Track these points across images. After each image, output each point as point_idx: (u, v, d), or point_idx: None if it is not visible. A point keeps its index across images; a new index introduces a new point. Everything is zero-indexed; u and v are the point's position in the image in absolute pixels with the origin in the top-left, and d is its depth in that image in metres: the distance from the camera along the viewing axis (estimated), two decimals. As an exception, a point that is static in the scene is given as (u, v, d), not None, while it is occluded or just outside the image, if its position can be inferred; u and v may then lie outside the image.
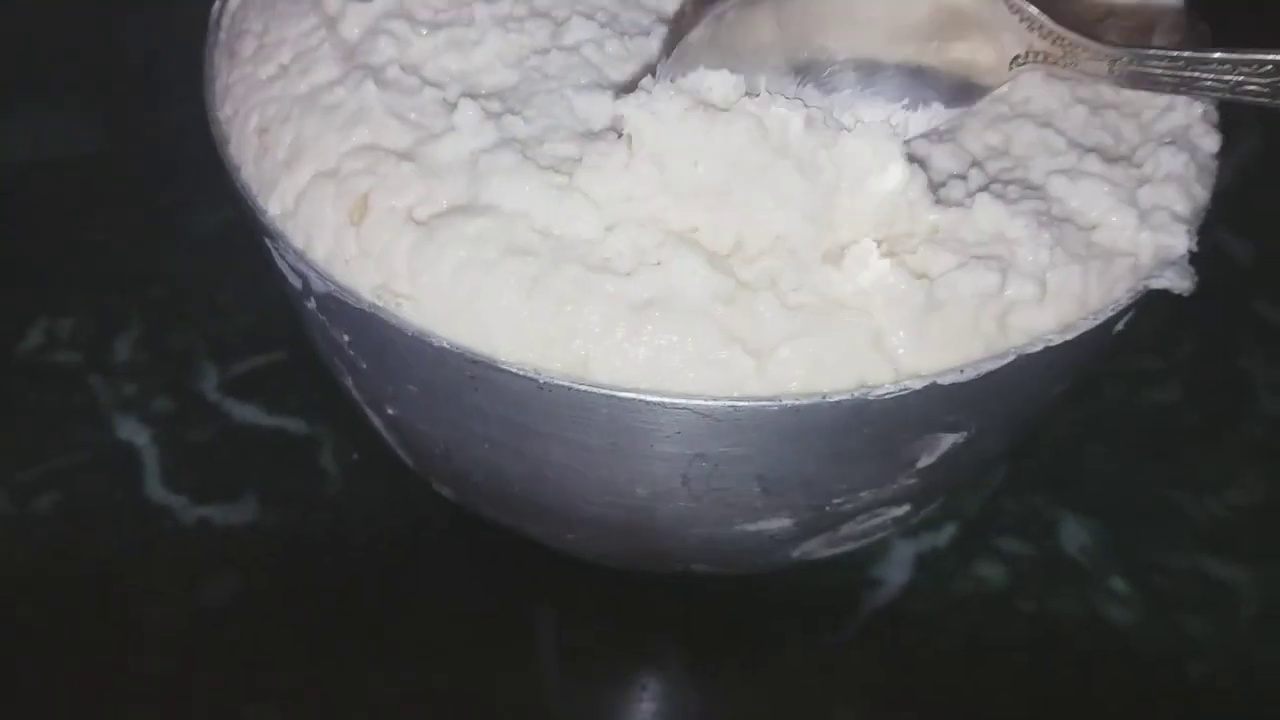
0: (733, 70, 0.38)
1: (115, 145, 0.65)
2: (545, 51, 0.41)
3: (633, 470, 0.40)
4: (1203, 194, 0.41)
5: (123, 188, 0.63)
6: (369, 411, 0.47)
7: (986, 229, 0.38)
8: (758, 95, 0.38)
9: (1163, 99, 0.43)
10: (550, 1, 0.43)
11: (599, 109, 0.39)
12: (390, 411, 0.45)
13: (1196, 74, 0.37)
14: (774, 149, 0.38)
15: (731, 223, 0.37)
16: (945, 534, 0.53)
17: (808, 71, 0.42)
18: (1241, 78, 0.36)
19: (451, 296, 0.36)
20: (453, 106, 0.39)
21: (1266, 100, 0.35)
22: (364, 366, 0.42)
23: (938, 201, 0.38)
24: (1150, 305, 0.39)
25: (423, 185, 0.38)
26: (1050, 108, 0.42)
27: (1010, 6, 0.39)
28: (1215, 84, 0.37)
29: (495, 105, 0.39)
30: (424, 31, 0.41)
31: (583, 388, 0.35)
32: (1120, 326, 0.40)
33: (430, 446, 0.46)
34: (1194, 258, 0.39)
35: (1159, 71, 0.38)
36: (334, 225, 0.38)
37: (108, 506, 0.52)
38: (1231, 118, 0.43)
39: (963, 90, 0.41)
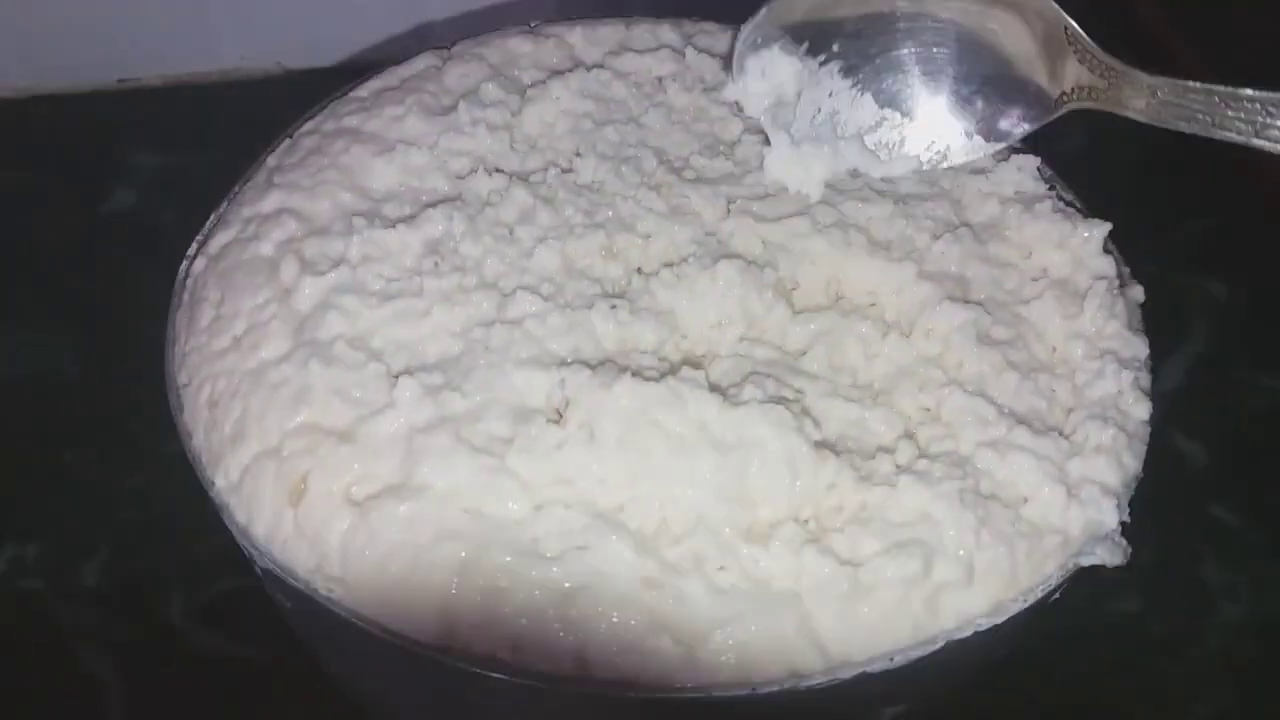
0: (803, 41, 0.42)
1: (86, 368, 0.65)
2: (489, 324, 0.42)
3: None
4: (1134, 463, 0.41)
5: (95, 410, 0.63)
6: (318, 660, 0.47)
7: (912, 509, 0.38)
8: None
9: (1094, 363, 0.44)
10: (499, 272, 0.44)
11: (536, 385, 0.40)
12: (333, 669, 0.45)
13: (1229, 112, 0.38)
14: (692, 424, 0.39)
15: (656, 501, 0.38)
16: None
17: (871, 74, 0.46)
18: (1268, 119, 0.37)
19: (381, 581, 0.37)
20: (394, 382, 0.40)
21: None
22: (303, 637, 0.42)
23: (864, 478, 0.39)
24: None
25: (359, 465, 0.38)
26: (983, 373, 0.43)
27: (1068, 36, 0.39)
28: (1243, 124, 0.37)
29: (436, 379, 0.41)
30: (374, 303, 0.43)
31: (509, 677, 0.35)
32: (1055, 597, 0.40)
33: (369, 703, 0.46)
34: (1145, 474, 0.40)
35: (1195, 106, 0.39)
36: (273, 505, 0.39)
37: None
38: (1183, 314, 0.44)
39: (1004, 126, 0.42)
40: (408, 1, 0.78)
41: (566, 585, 0.36)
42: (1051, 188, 0.50)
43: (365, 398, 0.40)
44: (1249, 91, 0.38)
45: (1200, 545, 0.60)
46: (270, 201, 0.47)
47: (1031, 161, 0.50)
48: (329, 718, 0.52)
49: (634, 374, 0.40)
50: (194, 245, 0.49)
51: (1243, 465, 0.64)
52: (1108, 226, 0.48)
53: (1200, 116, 0.39)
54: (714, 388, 0.41)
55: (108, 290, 0.68)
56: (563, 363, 0.41)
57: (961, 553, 0.37)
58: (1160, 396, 0.44)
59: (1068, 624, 0.38)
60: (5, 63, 0.77)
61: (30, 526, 0.59)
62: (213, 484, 0.41)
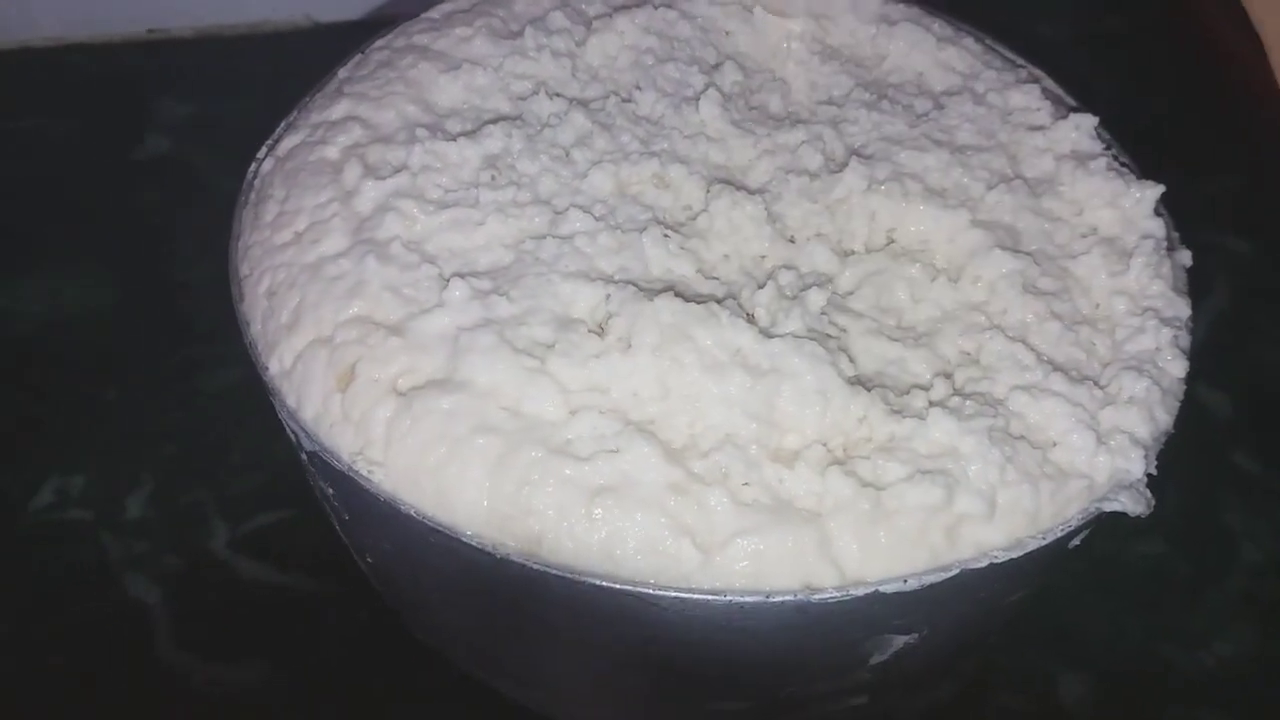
0: None
1: (128, 306, 0.65)
2: (541, 237, 0.43)
3: (590, 647, 0.40)
4: (1165, 418, 0.41)
5: (135, 347, 0.63)
6: (355, 556, 0.48)
7: (940, 442, 0.39)
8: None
9: (1135, 319, 0.44)
10: (553, 190, 0.45)
11: (581, 297, 0.41)
12: (369, 560, 0.46)
13: None
14: (728, 347, 0.39)
15: (686, 415, 0.38)
16: (945, 693, 0.53)
17: None
18: None
19: (420, 467, 0.38)
20: (445, 283, 0.41)
21: None
22: (346, 518, 0.44)
23: (895, 412, 0.39)
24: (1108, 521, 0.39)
25: (406, 358, 0.40)
26: (1025, 321, 0.43)
27: None
28: None
29: (486, 284, 0.42)
30: (431, 209, 0.44)
31: (535, 565, 0.36)
32: (1076, 542, 0.40)
33: (404, 598, 0.47)
34: (1153, 480, 0.40)
35: None
36: (323, 390, 0.40)
37: (118, 665, 0.51)
38: (1206, 270, 0.44)
39: None
40: None
41: (596, 483, 0.37)
42: (1108, 148, 0.49)
43: (417, 296, 0.41)
44: None
45: (1224, 491, 0.61)
46: (339, 109, 0.49)
47: (1089, 121, 0.50)
48: (370, 641, 0.53)
49: (676, 294, 0.41)
50: (264, 149, 0.50)
51: (1264, 416, 0.65)
52: (1160, 189, 0.47)
53: None
54: (753, 318, 0.41)
55: (142, 233, 0.69)
56: (609, 279, 0.42)
57: (984, 487, 0.38)
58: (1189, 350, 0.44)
59: (1095, 564, 0.38)
60: (38, 13, 0.76)
61: (75, 459, 0.59)
62: (266, 369, 0.42)
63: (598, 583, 0.36)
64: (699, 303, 0.41)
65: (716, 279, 0.44)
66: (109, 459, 0.59)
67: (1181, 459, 0.40)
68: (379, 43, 0.53)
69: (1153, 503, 0.39)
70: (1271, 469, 0.62)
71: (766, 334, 0.41)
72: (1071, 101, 0.53)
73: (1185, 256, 0.47)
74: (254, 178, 0.49)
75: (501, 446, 0.38)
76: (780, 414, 0.39)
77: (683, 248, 0.44)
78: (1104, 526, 0.40)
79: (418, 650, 0.51)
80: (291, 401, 0.41)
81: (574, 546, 0.36)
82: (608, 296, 0.41)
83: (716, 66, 0.52)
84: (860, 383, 0.40)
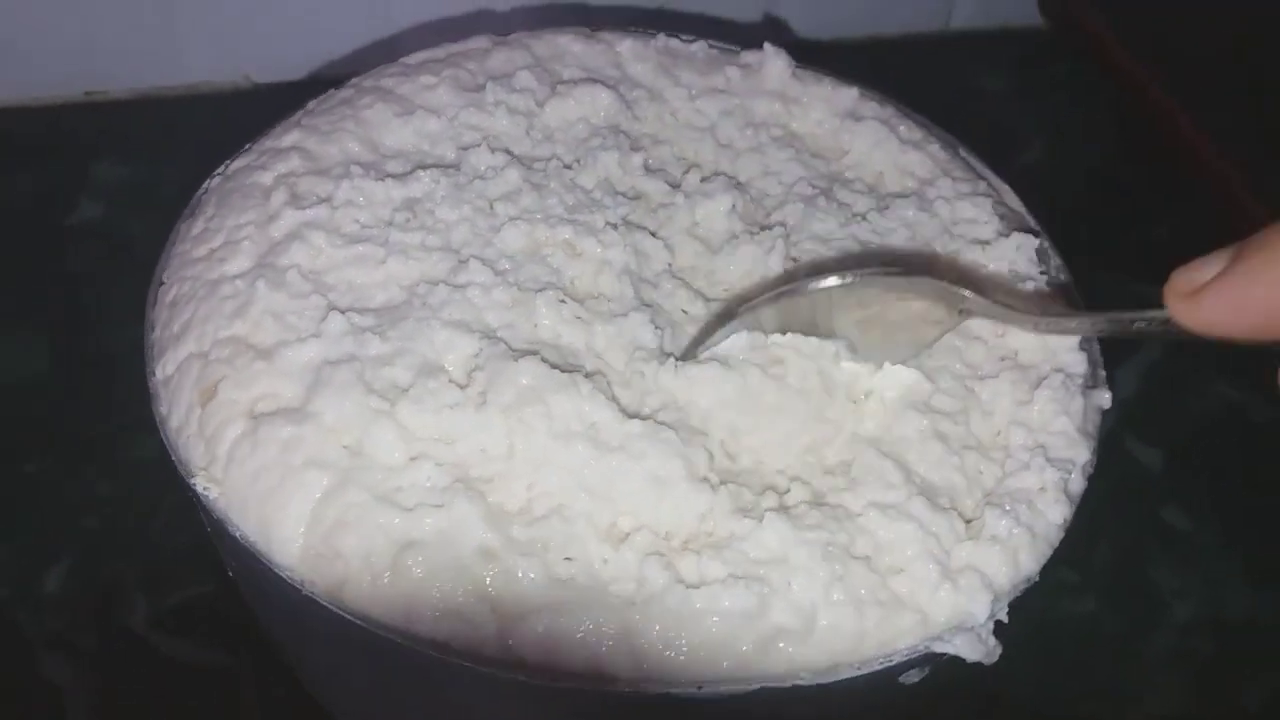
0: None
1: (57, 374, 0.62)
2: (436, 283, 0.43)
3: (393, 698, 0.39)
4: (1030, 565, 0.39)
5: (61, 417, 0.61)
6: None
7: (771, 548, 0.37)
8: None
9: (1025, 454, 0.42)
10: (465, 240, 0.46)
11: (454, 346, 0.41)
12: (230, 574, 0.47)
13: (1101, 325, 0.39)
14: (582, 419, 0.39)
15: (525, 480, 0.38)
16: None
17: None
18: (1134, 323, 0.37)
19: (250, 492, 0.38)
20: (326, 315, 0.42)
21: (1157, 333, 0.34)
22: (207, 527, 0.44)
23: (740, 510, 0.38)
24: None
25: (267, 383, 0.40)
26: (906, 436, 0.42)
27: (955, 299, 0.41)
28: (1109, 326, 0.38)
29: (368, 320, 0.42)
30: (339, 243, 0.45)
31: (333, 609, 0.36)
32: (913, 678, 0.38)
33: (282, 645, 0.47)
34: (1097, 479, 0.40)
35: (1071, 326, 0.42)
36: (188, 402, 0.41)
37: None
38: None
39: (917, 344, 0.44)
40: (375, 14, 0.76)
41: (409, 536, 0.37)
42: (1044, 271, 0.48)
43: (297, 324, 0.42)
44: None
45: (1153, 548, 0.60)
46: (288, 138, 0.50)
47: (1031, 242, 0.48)
48: (285, 710, 0.51)
49: (544, 359, 0.41)
50: (223, 165, 0.51)
51: (1194, 471, 0.64)
52: (1091, 321, 0.45)
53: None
54: (617, 401, 0.41)
55: (75, 300, 0.65)
56: (490, 334, 0.42)
57: (805, 603, 0.36)
58: (1118, 402, 0.44)
59: (1022, 624, 0.37)
60: (-28, 76, 0.70)
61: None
62: (153, 374, 0.43)
63: (389, 637, 0.35)
64: (566, 371, 0.40)
65: (602, 358, 0.43)
66: (27, 533, 0.56)
67: (1112, 514, 0.39)
68: (353, 80, 0.55)
69: (996, 652, 0.37)
70: (1201, 525, 0.61)
71: (627, 414, 0.40)
72: (1031, 222, 0.51)
73: (1104, 398, 0.44)
74: (204, 192, 0.50)
75: (329, 483, 0.38)
76: (618, 494, 0.38)
77: (578, 317, 0.43)
78: (1032, 591, 0.39)
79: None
80: (163, 409, 0.42)
81: (373, 597, 0.36)
82: (479, 350, 0.41)
83: (655, 145, 0.52)
84: (711, 479, 0.39)
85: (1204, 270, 0.28)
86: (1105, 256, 0.46)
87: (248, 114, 0.52)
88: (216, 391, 0.41)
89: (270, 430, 0.39)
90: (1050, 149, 0.78)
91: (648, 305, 0.44)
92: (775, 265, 0.46)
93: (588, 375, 0.41)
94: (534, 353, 0.41)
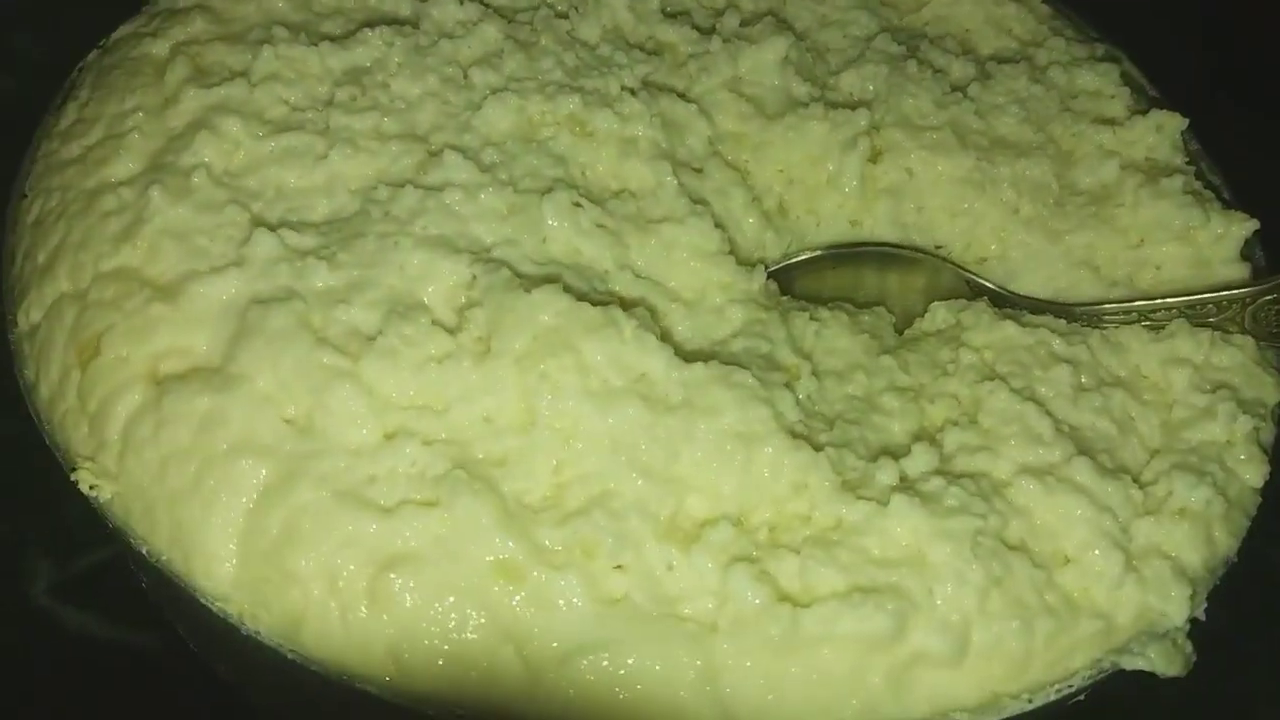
0: None
1: None
2: (400, 185, 0.32)
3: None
4: (1228, 541, 0.30)
5: None
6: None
7: (901, 542, 0.27)
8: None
9: (1201, 397, 0.32)
10: (433, 123, 0.34)
11: (436, 273, 0.30)
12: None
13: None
14: (627, 368, 0.29)
15: (552, 457, 0.28)
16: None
17: None
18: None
19: (158, 493, 0.28)
20: (251, 234, 0.30)
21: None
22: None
23: (847, 486, 0.28)
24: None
25: (170, 334, 0.29)
26: (1032, 362, 0.32)
27: None
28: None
29: (309, 240, 0.31)
30: (262, 133, 0.33)
31: (290, 655, 0.26)
32: (1081, 699, 0.29)
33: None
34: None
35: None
36: (61, 363, 0.30)
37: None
38: None
39: None
40: None
41: (392, 548, 0.26)
42: (1191, 162, 0.37)
43: (208, 247, 0.31)
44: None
45: None
46: None
47: (1176, 122, 0.38)
48: (205, 701, 0.42)
49: (569, 289, 0.30)
50: (105, 39, 0.39)
51: None
52: (1253, 225, 0.35)
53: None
54: (670, 336, 0.30)
55: None
56: (484, 254, 0.31)
57: (955, 618, 0.27)
58: None
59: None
60: None
61: None
62: (14, 324, 0.32)
63: (373, 691, 0.25)
64: (598, 304, 0.30)
65: (646, 279, 0.32)
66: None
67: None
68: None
69: (1192, 660, 0.28)
70: None
71: (684, 356, 0.30)
72: (1154, 93, 0.41)
73: None
74: (79, 72, 0.38)
75: (270, 476, 0.27)
76: (685, 467, 0.28)
77: (600, 225, 0.32)
78: (1122, 684, 0.29)
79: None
80: (30, 372, 0.31)
81: (345, 638, 0.26)
82: (474, 278, 0.30)
83: None
84: (808, 436, 0.29)
85: None
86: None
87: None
88: (100, 347, 0.30)
89: (180, 401, 0.28)
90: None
91: (699, 202, 0.33)
92: (853, 163, 0.36)
93: (626, 307, 0.30)
94: (553, 279, 0.30)
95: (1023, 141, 0.38)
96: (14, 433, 0.46)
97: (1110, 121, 0.39)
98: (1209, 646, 0.29)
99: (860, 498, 0.28)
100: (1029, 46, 0.41)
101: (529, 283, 0.30)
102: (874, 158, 0.37)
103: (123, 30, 0.38)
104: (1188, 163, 0.38)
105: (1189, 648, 0.29)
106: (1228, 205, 0.37)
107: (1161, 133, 0.38)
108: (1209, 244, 0.36)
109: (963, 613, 0.27)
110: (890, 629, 0.26)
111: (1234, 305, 0.33)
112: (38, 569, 0.45)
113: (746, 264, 0.34)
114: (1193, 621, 0.29)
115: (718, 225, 0.33)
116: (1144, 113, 0.38)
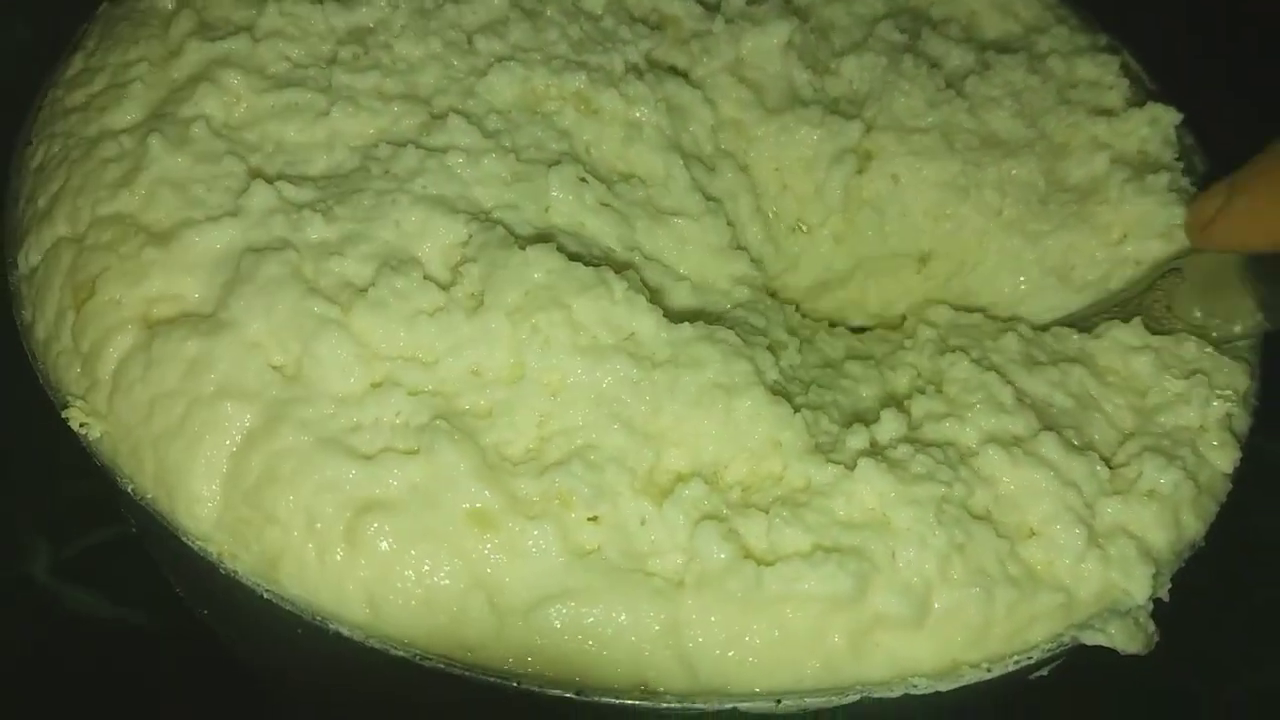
0: None
1: None
2: (402, 144, 0.33)
3: (353, 701, 0.31)
4: (1195, 525, 0.31)
5: None
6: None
7: (866, 505, 0.28)
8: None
9: (1177, 382, 0.33)
10: (436, 85, 0.35)
11: (432, 229, 0.31)
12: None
13: None
14: (615, 326, 0.30)
15: (537, 410, 0.29)
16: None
17: None
18: None
19: (144, 433, 0.29)
20: (248, 185, 0.31)
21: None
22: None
23: (819, 448, 0.29)
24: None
25: (163, 279, 0.30)
26: (981, 335, 0.33)
27: None
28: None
29: (306, 193, 0.32)
30: (264, 87, 0.34)
31: (266, 594, 0.27)
32: (1042, 674, 0.30)
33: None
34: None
35: None
36: (57, 305, 0.31)
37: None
38: None
39: None
40: None
41: (370, 494, 0.27)
42: (1181, 158, 0.38)
43: (205, 197, 0.32)
44: None
45: None
46: None
47: (1171, 116, 0.38)
48: (211, 679, 0.43)
49: (560, 248, 0.31)
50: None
51: None
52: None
53: None
54: (664, 300, 0.31)
55: None
56: (483, 215, 0.32)
57: (916, 581, 0.28)
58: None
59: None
60: None
61: None
62: (15, 267, 0.33)
63: (353, 637, 0.26)
64: (591, 264, 0.31)
65: (654, 260, 0.34)
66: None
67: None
68: None
69: (1154, 640, 0.29)
70: None
71: (672, 317, 0.31)
72: (1153, 86, 0.42)
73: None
74: (90, 23, 0.39)
75: (254, 421, 0.28)
76: (667, 421, 0.29)
77: (605, 204, 0.33)
78: (1084, 655, 0.30)
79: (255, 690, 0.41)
80: (27, 313, 0.32)
81: (320, 578, 0.27)
82: (469, 236, 0.31)
83: None
84: (786, 396, 0.30)
85: (1210, 203, 0.32)
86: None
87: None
88: (95, 289, 0.31)
89: (169, 344, 0.29)
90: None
91: (712, 199, 0.35)
92: (838, 178, 0.37)
93: (619, 271, 0.31)
94: (547, 238, 0.31)
95: (1014, 138, 0.38)
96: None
97: (1107, 113, 0.39)
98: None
99: (830, 460, 0.29)
100: (1032, 33, 0.41)
101: (524, 241, 0.31)
102: (861, 167, 0.38)
103: None
104: (1178, 158, 0.38)
105: (1151, 627, 0.29)
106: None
107: (1155, 125, 0.38)
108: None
109: (924, 576, 0.28)
110: (851, 589, 0.27)
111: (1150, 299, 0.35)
112: (38, 547, 0.45)
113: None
114: (1156, 602, 0.30)
115: (729, 224, 0.34)
116: (1140, 105, 0.39)
